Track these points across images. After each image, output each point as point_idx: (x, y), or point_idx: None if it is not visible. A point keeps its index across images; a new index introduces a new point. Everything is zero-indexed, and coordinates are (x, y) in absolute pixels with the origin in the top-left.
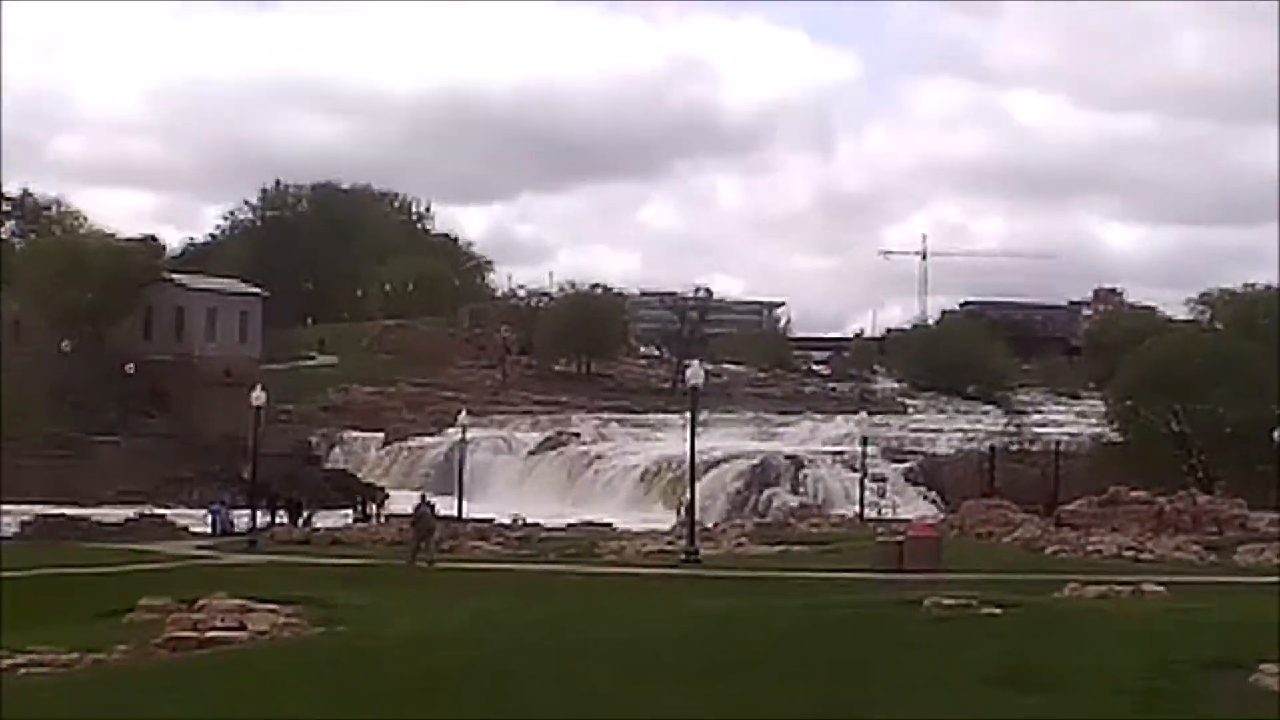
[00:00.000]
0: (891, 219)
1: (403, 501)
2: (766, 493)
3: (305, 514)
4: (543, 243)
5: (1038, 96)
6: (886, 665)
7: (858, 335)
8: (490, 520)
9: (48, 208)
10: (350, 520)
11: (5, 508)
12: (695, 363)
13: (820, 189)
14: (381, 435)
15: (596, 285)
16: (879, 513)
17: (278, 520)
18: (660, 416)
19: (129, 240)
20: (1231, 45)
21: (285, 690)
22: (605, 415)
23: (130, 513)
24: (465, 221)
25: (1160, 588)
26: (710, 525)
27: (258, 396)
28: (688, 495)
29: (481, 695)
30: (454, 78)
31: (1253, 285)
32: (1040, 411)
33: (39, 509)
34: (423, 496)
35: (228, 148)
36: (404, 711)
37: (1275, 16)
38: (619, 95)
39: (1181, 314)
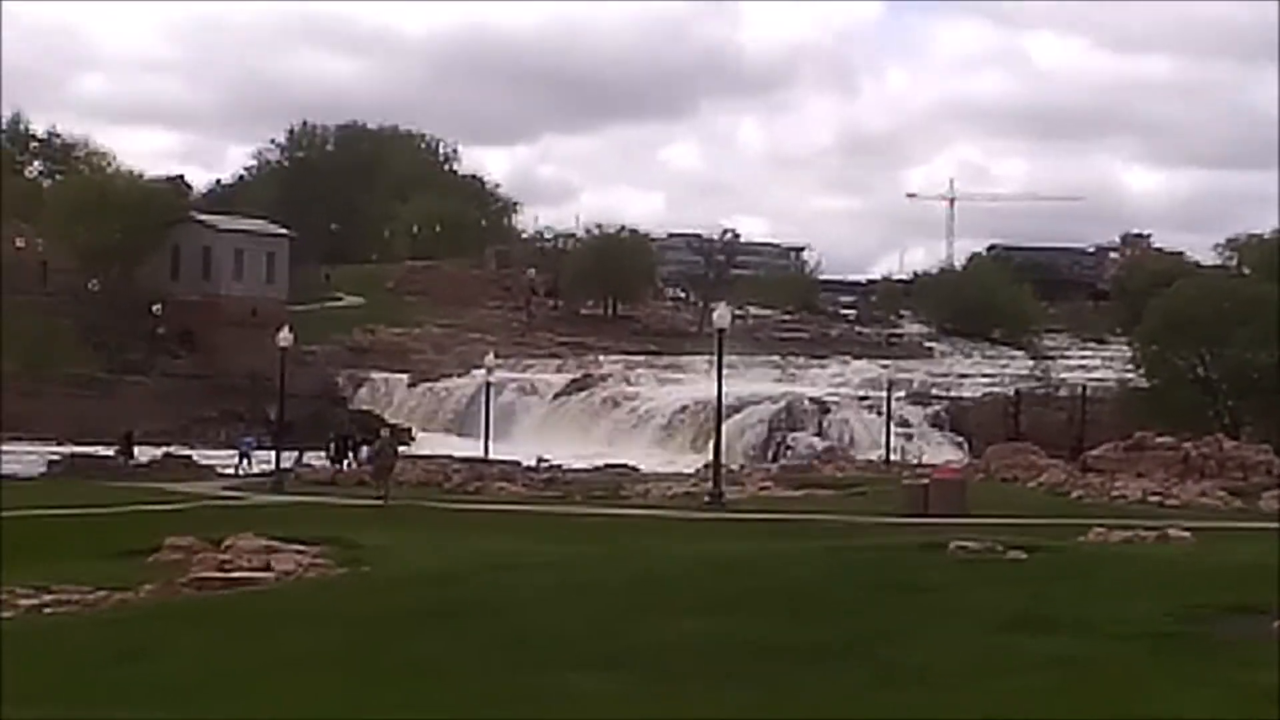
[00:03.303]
0: (913, 160)
1: (430, 443)
2: (792, 436)
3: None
4: (566, 183)
5: (1057, 38)
6: (907, 606)
7: (885, 278)
8: (516, 462)
9: (74, 147)
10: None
11: (31, 447)
12: (722, 305)
13: (842, 129)
14: (407, 376)
15: (622, 227)
16: (904, 457)
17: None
18: (686, 359)
19: (156, 180)
20: None
21: (308, 626)
22: (631, 357)
23: (156, 452)
24: (488, 162)
25: (1185, 533)
26: (735, 468)
27: (284, 337)
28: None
29: (499, 627)
30: (475, 17)
31: None
32: (1066, 356)
33: (67, 448)
34: (391, 432)
35: (250, 86)
36: (423, 645)
37: None
38: (641, 35)
39: (1209, 259)
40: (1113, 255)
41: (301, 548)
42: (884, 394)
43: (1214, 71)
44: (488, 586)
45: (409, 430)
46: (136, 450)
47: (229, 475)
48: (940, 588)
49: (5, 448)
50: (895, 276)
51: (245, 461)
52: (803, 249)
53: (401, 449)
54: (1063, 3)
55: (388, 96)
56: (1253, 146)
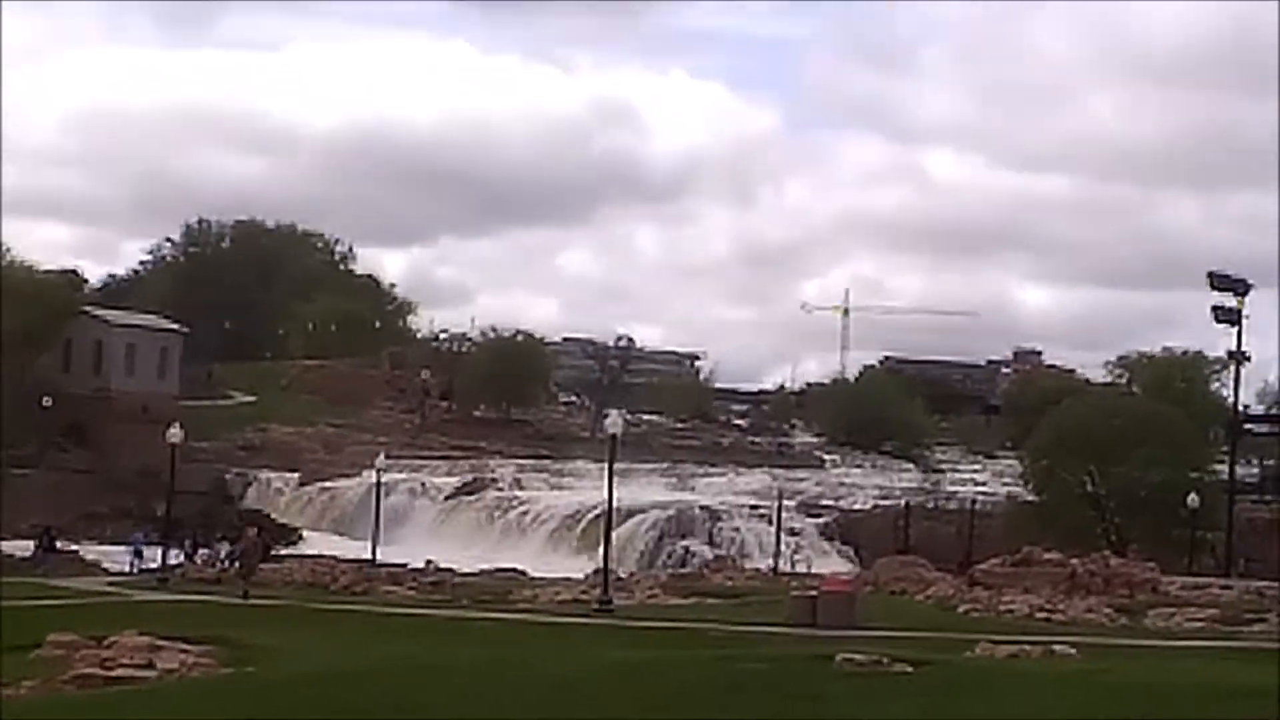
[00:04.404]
0: (810, 272)
1: (319, 543)
2: (682, 544)
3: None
4: (462, 286)
5: (954, 154)
6: (808, 718)
7: (779, 388)
8: (404, 565)
9: None
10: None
11: None
12: (614, 411)
13: (740, 240)
14: (298, 475)
15: (517, 331)
16: (793, 567)
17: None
18: (578, 464)
19: (50, 273)
20: (1148, 108)
21: None
22: (523, 461)
23: (41, 547)
24: (384, 263)
25: (1071, 649)
26: (625, 575)
27: (174, 433)
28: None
29: None
30: (373, 119)
31: (1170, 349)
32: (957, 470)
33: None
34: (257, 530)
35: (147, 182)
36: None
37: (1190, 80)
38: (540, 142)
39: (1099, 376)
40: (1005, 370)
41: (186, 646)
42: (775, 503)
43: (1109, 192)
44: (384, 690)
45: (298, 530)
46: (18, 545)
47: (117, 571)
48: (830, 700)
49: None
50: (789, 387)
51: (137, 558)
52: (697, 357)
53: (290, 549)
54: (962, 120)
55: (285, 195)
56: (1145, 266)
